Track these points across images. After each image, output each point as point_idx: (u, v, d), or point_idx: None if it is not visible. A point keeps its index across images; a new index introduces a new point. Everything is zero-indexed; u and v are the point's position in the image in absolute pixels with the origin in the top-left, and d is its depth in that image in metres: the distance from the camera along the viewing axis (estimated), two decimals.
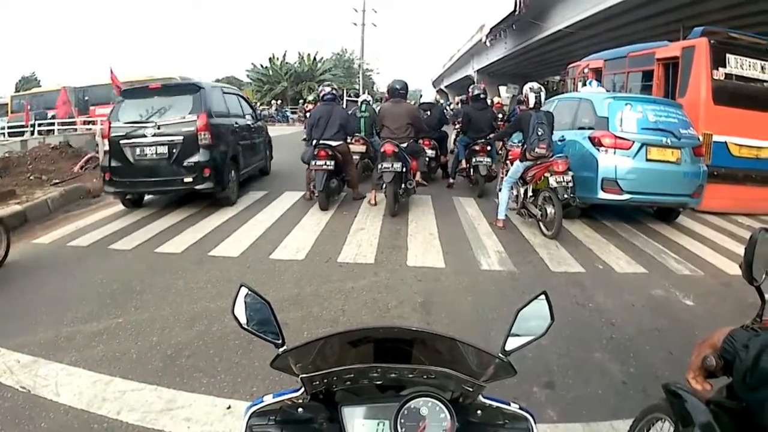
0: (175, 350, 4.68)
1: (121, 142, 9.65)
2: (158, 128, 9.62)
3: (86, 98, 38.29)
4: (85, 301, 5.71)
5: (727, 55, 11.41)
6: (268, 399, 1.68)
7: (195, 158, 9.61)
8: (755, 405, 1.34)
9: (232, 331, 4.84)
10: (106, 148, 9.96)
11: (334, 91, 11.12)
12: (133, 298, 5.85)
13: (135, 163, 9.65)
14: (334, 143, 10.06)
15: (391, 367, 1.60)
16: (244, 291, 1.73)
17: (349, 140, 11.49)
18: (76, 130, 25.54)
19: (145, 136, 9.61)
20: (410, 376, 1.63)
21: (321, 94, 11.04)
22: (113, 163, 9.67)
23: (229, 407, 3.84)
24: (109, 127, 9.81)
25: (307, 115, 14.17)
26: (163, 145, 9.61)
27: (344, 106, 16.75)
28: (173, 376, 4.27)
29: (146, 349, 4.71)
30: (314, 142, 10.23)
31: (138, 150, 9.64)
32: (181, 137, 9.60)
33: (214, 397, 3.99)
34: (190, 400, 3.93)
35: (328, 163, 9.95)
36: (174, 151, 9.59)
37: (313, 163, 10.01)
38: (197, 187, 9.66)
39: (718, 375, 1.66)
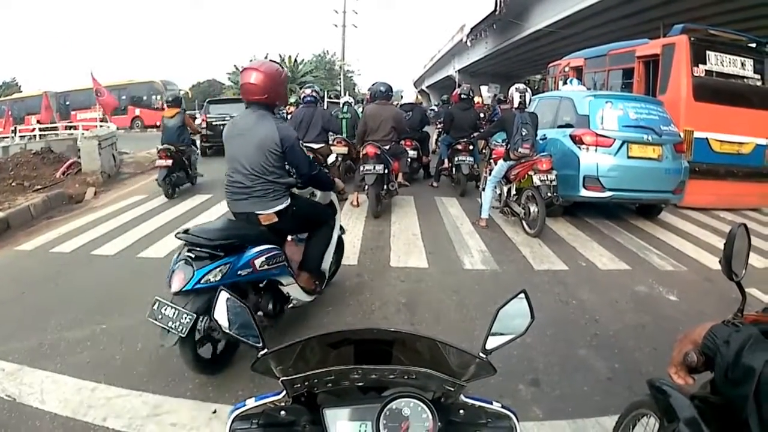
0: (160, 356, 4.64)
1: None
2: None
3: (67, 103, 38.17)
4: (68, 308, 5.66)
5: (708, 52, 11.54)
6: (251, 403, 1.67)
7: None
8: (737, 400, 1.33)
9: None
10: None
11: (315, 93, 11.28)
12: (117, 304, 5.80)
13: None
14: (315, 146, 9.66)
15: (372, 369, 1.60)
16: (224, 295, 1.73)
17: (330, 142, 11.63)
18: (57, 135, 25.38)
19: None
20: (391, 377, 1.63)
21: (302, 96, 11.24)
22: None
23: (214, 411, 3.83)
24: None
25: (289, 117, 14.13)
26: None
27: (326, 107, 16.72)
28: (158, 381, 4.25)
29: (131, 355, 4.68)
30: None
31: None
32: None
33: (199, 401, 3.97)
34: (175, 405, 3.92)
35: None
36: None
37: None
38: None
39: (700, 371, 1.67)
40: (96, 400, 3.97)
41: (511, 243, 8.29)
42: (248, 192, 4.71)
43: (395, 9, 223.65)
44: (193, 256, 4.17)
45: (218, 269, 4.13)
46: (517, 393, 4.11)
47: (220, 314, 1.72)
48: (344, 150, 13.00)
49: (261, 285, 4.74)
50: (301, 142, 7.27)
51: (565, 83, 14.40)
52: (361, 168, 9.66)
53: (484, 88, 41.00)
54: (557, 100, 10.90)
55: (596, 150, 9.11)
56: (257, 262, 4.39)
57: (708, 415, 1.89)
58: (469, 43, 43.12)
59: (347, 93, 17.85)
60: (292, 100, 16.68)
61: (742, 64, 11.87)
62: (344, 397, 1.69)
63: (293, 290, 4.89)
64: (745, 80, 12.00)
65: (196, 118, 16.57)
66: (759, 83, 12.11)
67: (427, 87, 77.28)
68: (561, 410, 3.90)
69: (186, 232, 4.27)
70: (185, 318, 3.91)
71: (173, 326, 3.91)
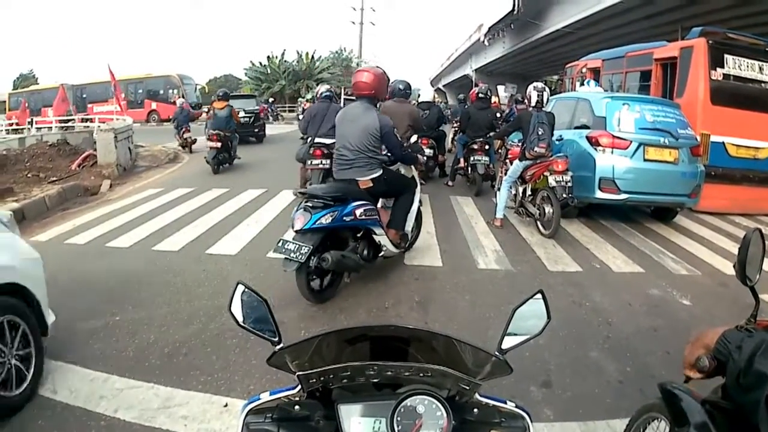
0: (173, 348, 4.68)
1: None
2: None
3: (84, 96, 38.29)
4: (82, 299, 5.69)
5: (726, 56, 11.43)
6: (265, 396, 1.66)
7: None
8: (749, 406, 1.32)
9: (230, 329, 4.84)
10: None
11: (330, 91, 11.70)
12: (130, 296, 5.84)
13: None
14: (328, 141, 10.01)
15: (388, 365, 1.59)
16: (241, 288, 1.72)
17: None
18: (74, 127, 25.46)
19: None
20: (407, 374, 1.62)
21: (318, 93, 11.64)
22: None
23: (226, 405, 3.83)
24: None
25: (303, 112, 14.68)
26: None
27: (342, 104, 16.77)
28: (170, 374, 4.26)
29: (143, 347, 4.70)
30: (309, 140, 10.64)
31: None
32: None
33: (211, 395, 3.98)
34: (187, 398, 3.93)
35: (324, 161, 10.22)
36: None
37: (309, 162, 10.34)
38: None
39: (712, 376, 1.66)
40: (107, 391, 3.99)
41: (526, 243, 8.28)
42: (352, 163, 6.12)
43: (413, 7, 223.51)
44: (310, 205, 5.62)
45: (329, 215, 5.57)
46: (528, 394, 4.10)
47: (236, 307, 1.71)
48: None
49: (359, 235, 6.13)
50: (314, 137, 9.84)
51: (582, 84, 14.40)
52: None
53: (500, 88, 40.94)
54: (574, 101, 10.85)
55: (612, 152, 9.08)
56: (357, 212, 5.81)
57: (719, 420, 1.88)
58: (486, 43, 42.96)
59: None
60: (308, 96, 16.79)
61: (761, 69, 11.76)
62: (359, 393, 1.68)
63: (384, 240, 6.26)
64: (763, 85, 11.88)
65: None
66: None
67: (443, 86, 77.15)
68: (572, 412, 3.89)
69: (303, 192, 6.01)
70: (304, 249, 5.30)
71: (294, 255, 5.30)
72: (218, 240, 7.88)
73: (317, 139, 10.49)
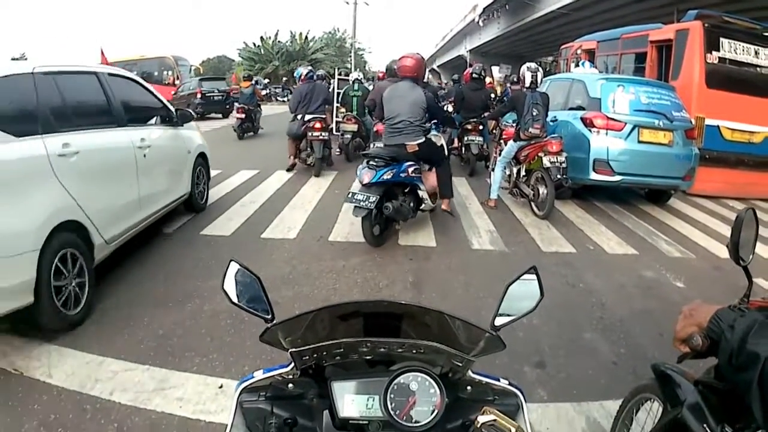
0: (167, 330, 4.67)
1: None
2: None
3: None
4: None
5: (721, 39, 11.42)
6: (258, 375, 1.67)
7: None
8: (741, 386, 1.30)
9: (224, 311, 4.84)
10: None
11: (312, 71, 12.87)
12: (124, 278, 5.81)
13: None
14: (320, 116, 11.61)
15: (381, 341, 1.60)
16: (234, 266, 1.72)
17: (341, 119, 13.64)
18: None
19: None
20: (399, 350, 1.62)
21: (302, 74, 12.51)
22: None
23: (221, 386, 3.83)
24: None
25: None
26: None
27: (336, 84, 16.95)
28: (165, 355, 4.26)
29: (138, 329, 4.69)
30: (299, 117, 11.64)
31: None
32: None
33: (206, 376, 3.98)
34: (182, 379, 3.93)
35: (323, 133, 11.50)
36: None
37: (310, 134, 11.46)
38: None
39: (705, 356, 1.66)
40: (103, 373, 3.97)
41: (520, 224, 8.30)
42: (401, 130, 7.18)
43: None
44: (374, 163, 6.83)
45: (390, 171, 6.76)
46: (522, 374, 4.10)
47: (229, 285, 1.70)
48: (354, 127, 13.19)
49: (406, 190, 7.31)
50: (304, 114, 11.64)
51: (577, 65, 14.36)
52: (371, 145, 10.26)
53: (495, 69, 40.77)
54: (569, 83, 10.85)
55: (607, 133, 9.09)
56: (409, 170, 7.03)
57: (711, 400, 1.92)
58: (481, 23, 42.84)
59: (357, 70, 17.81)
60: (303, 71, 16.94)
61: (756, 53, 11.75)
62: (352, 371, 1.70)
63: (425, 195, 7.41)
64: (759, 69, 11.89)
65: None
66: None
67: (438, 66, 76.99)
68: (566, 393, 3.90)
69: (366, 154, 7.35)
70: (372, 198, 6.46)
71: (364, 204, 6.48)
72: (212, 221, 7.87)
73: (310, 114, 11.53)
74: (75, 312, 4.69)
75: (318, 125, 11.35)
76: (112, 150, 5.71)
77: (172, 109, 7.60)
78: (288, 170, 11.89)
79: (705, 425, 1.90)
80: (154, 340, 4.52)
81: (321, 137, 11.41)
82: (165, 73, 37.60)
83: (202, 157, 8.50)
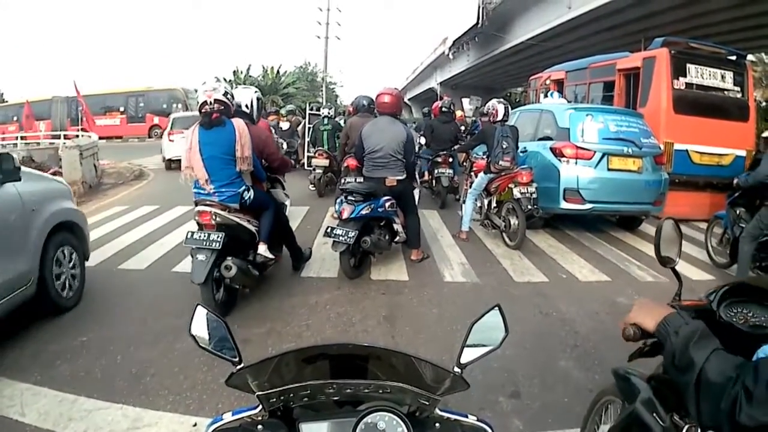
0: (140, 368, 4.63)
1: None
2: None
3: (80, 108, 37.33)
4: (48, 320, 5.60)
5: (688, 65, 11.68)
6: (227, 417, 1.67)
7: None
8: (681, 386, 1.49)
9: (197, 348, 4.77)
10: None
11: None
12: (96, 317, 5.77)
13: None
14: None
15: (347, 383, 1.61)
16: (201, 311, 1.74)
17: (312, 154, 13.93)
18: (39, 144, 25.20)
19: None
20: (366, 391, 1.63)
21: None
22: None
23: (195, 425, 3.80)
24: None
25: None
26: None
27: (307, 120, 16.97)
28: (139, 394, 4.22)
29: (111, 368, 4.65)
30: None
31: None
32: None
33: (180, 414, 3.95)
34: (155, 418, 3.90)
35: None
36: None
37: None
38: None
39: (652, 354, 2.01)
40: (76, 412, 3.94)
41: (492, 255, 8.33)
42: (383, 165, 7.31)
43: (378, 22, 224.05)
44: (353, 198, 6.95)
45: (368, 206, 6.91)
46: (497, 405, 4.11)
47: (199, 328, 1.73)
48: (325, 162, 13.18)
49: (382, 224, 7.36)
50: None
51: (546, 96, 14.50)
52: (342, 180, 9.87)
53: (465, 101, 41.01)
54: (538, 113, 10.96)
55: (576, 162, 9.17)
56: (386, 205, 7.17)
57: (663, 392, 2.18)
58: (451, 56, 43.09)
59: (328, 104, 18.02)
60: (283, 111, 17.04)
61: (722, 77, 12.00)
62: (320, 412, 1.69)
63: (399, 228, 7.54)
64: (725, 92, 12.13)
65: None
66: (739, 95, 12.23)
67: (409, 99, 77.36)
68: (542, 422, 3.92)
69: (344, 189, 7.21)
70: (351, 233, 6.64)
71: (343, 239, 6.65)
72: (183, 258, 7.78)
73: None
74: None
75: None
76: None
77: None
78: None
79: (655, 415, 2.17)
80: (127, 378, 4.48)
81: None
82: (174, 105, 36.78)
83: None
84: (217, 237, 5.46)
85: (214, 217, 5.61)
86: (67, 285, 5.85)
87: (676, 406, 1.86)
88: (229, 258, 5.58)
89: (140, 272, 7.28)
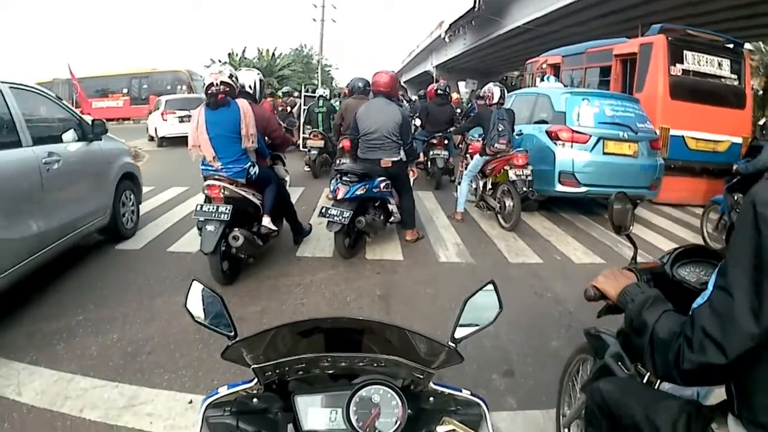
0: (136, 347, 4.65)
1: None
2: None
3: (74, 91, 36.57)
4: (44, 299, 5.62)
5: (685, 52, 11.68)
6: (223, 390, 1.71)
7: None
8: (637, 345, 1.66)
9: (192, 326, 4.79)
10: None
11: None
12: (93, 295, 5.77)
13: None
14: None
15: (341, 356, 1.64)
16: (196, 285, 1.76)
17: (307, 135, 13.86)
18: None
19: None
20: (361, 364, 1.66)
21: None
22: None
23: (190, 401, 3.82)
24: None
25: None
26: None
27: (303, 101, 16.92)
28: (134, 372, 4.24)
29: (107, 346, 4.66)
30: None
31: None
32: None
33: (175, 392, 3.97)
34: (152, 395, 3.91)
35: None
36: None
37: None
38: None
39: (616, 311, 2.08)
40: (72, 391, 3.95)
41: (487, 236, 8.36)
42: (378, 146, 7.25)
43: (374, 4, 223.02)
44: (348, 179, 6.89)
45: (363, 186, 6.89)
46: (491, 383, 4.14)
47: (194, 304, 1.75)
48: (320, 143, 13.14)
49: (376, 204, 7.38)
50: None
51: (542, 80, 14.55)
52: (337, 161, 10.12)
53: (461, 84, 40.98)
54: (534, 97, 10.99)
55: (572, 146, 9.19)
56: (381, 186, 7.15)
57: (629, 345, 2.33)
58: (447, 39, 42.82)
59: (324, 86, 17.82)
60: (280, 93, 17.09)
61: (719, 64, 12.01)
62: (315, 385, 1.73)
63: (394, 208, 7.56)
64: (722, 80, 12.14)
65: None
66: (736, 83, 12.26)
67: (405, 82, 77.05)
68: (535, 400, 3.94)
69: (339, 170, 7.22)
70: (346, 213, 6.64)
71: (338, 219, 6.63)
72: (179, 238, 7.82)
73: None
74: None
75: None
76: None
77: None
78: None
79: (621, 365, 2.46)
80: (123, 357, 4.49)
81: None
82: (179, 87, 36.30)
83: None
84: (226, 209, 5.76)
85: (222, 190, 5.94)
86: (128, 219, 7.85)
87: (640, 357, 1.95)
88: (236, 229, 5.87)
89: (136, 252, 7.29)
